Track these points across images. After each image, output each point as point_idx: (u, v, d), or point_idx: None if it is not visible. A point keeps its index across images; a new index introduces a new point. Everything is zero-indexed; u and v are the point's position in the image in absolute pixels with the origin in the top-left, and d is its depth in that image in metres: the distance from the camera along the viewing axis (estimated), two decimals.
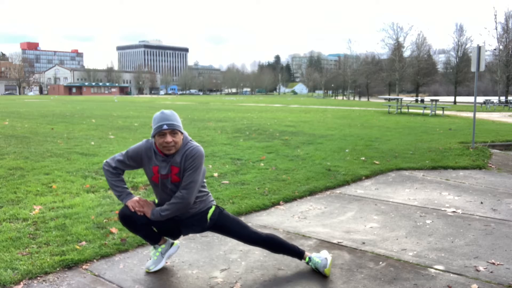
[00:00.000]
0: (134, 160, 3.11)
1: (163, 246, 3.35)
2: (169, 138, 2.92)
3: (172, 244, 3.42)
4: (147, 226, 3.18)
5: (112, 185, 3.11)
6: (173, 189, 3.07)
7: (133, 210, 3.04)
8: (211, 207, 3.22)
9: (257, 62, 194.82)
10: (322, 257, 3.24)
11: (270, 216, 4.67)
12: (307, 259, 3.28)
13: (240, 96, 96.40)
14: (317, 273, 3.24)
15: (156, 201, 3.24)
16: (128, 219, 3.08)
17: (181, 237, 3.97)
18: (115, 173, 3.12)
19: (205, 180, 3.27)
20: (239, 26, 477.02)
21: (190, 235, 4.03)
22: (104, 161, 3.18)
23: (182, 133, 3.01)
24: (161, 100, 51.63)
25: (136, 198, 3.10)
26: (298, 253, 3.29)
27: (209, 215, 3.18)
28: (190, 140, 3.08)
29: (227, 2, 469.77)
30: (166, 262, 3.39)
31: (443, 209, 4.94)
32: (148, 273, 3.24)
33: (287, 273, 3.26)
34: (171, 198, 3.05)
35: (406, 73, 61.58)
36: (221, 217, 3.21)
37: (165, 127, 2.91)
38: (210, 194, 3.30)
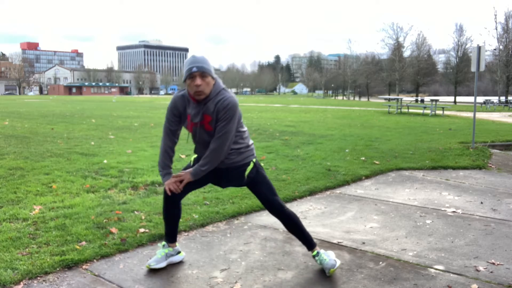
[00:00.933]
0: (174, 113, 3.11)
1: (170, 249, 3.36)
2: (198, 81, 2.89)
3: (179, 252, 3.43)
4: (179, 217, 3.34)
5: (160, 159, 3.17)
6: (207, 139, 3.05)
7: (169, 193, 3.07)
8: (249, 163, 3.18)
9: (257, 62, 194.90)
10: (331, 257, 3.23)
11: (270, 216, 4.62)
12: (315, 252, 3.27)
13: (240, 96, 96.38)
14: (317, 273, 3.24)
15: (192, 159, 3.26)
16: (168, 197, 3.19)
17: (182, 239, 3.97)
18: (169, 153, 3.14)
19: (245, 129, 3.22)
20: (239, 26, 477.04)
21: (190, 235, 4.04)
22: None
23: (213, 78, 2.97)
24: (161, 100, 51.63)
25: (172, 179, 3.09)
26: (310, 243, 3.29)
27: (247, 172, 3.16)
28: (223, 89, 3.03)
29: (227, 2, 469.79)
30: None
31: (443, 209, 4.94)
32: (148, 273, 3.23)
33: (287, 273, 3.26)
34: (206, 148, 3.06)
35: (406, 73, 61.62)
36: (257, 176, 3.20)
37: (194, 69, 2.89)
38: (251, 147, 3.24)
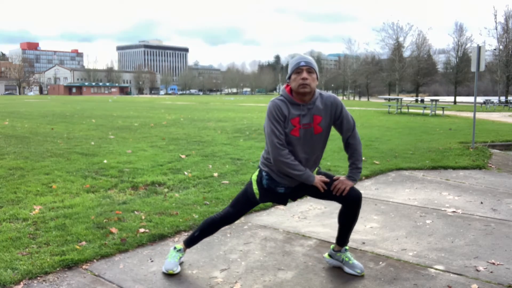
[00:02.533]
0: (280, 117, 2.93)
1: (184, 253, 3.37)
2: (305, 74, 2.90)
3: None
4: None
5: (292, 166, 2.93)
6: (313, 143, 3.02)
7: (323, 190, 3.01)
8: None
9: (257, 62, 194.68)
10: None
11: (270, 216, 4.66)
12: (347, 247, 3.29)
13: (240, 96, 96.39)
14: (317, 273, 3.24)
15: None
16: (227, 219, 3.25)
17: (182, 238, 3.97)
18: (286, 150, 2.94)
19: None
20: (239, 25, 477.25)
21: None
22: (274, 151, 2.92)
23: (317, 78, 2.99)
24: (160, 100, 51.63)
25: (321, 177, 3.05)
26: (345, 241, 3.28)
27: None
28: (320, 91, 3.09)
29: (228, 1, 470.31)
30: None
31: (443, 209, 4.94)
32: (148, 273, 3.23)
33: (287, 273, 3.26)
34: (309, 153, 3.02)
35: (406, 73, 61.57)
36: (327, 174, 3.19)
37: (302, 63, 2.93)
38: None
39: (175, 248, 3.33)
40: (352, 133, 3.09)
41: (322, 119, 2.99)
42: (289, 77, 2.98)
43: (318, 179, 3.02)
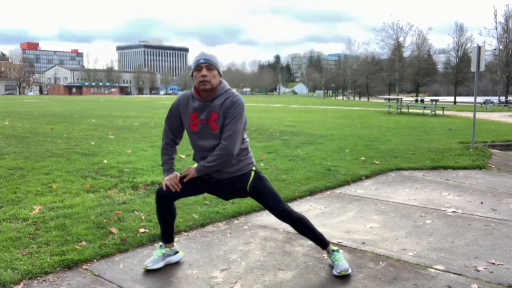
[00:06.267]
0: (174, 116, 3.16)
1: (167, 249, 3.36)
2: (205, 71, 2.96)
3: (177, 252, 3.43)
4: (172, 218, 3.28)
5: (162, 156, 3.25)
6: (209, 141, 3.06)
7: (165, 188, 3.10)
8: (250, 172, 3.19)
9: (257, 62, 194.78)
10: (346, 262, 3.24)
11: (270, 216, 4.64)
12: (335, 248, 3.30)
13: None
14: (317, 273, 3.24)
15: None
16: (162, 198, 3.17)
17: (182, 239, 3.97)
18: (167, 151, 3.22)
19: (245, 137, 3.19)
20: (239, 25, 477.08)
21: (190, 235, 4.04)
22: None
23: (219, 74, 3.05)
24: (161, 100, 51.63)
25: (172, 174, 3.15)
26: (324, 242, 3.31)
27: (249, 183, 3.16)
28: (230, 89, 3.11)
29: (227, 1, 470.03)
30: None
31: (443, 209, 4.94)
32: (148, 273, 3.23)
33: (287, 273, 3.26)
34: (209, 149, 3.07)
35: (406, 73, 61.62)
36: (260, 186, 3.19)
37: (201, 61, 2.99)
38: (250, 154, 3.24)
39: (159, 245, 3.39)
40: (226, 139, 2.97)
41: (219, 117, 3.02)
42: (192, 75, 3.05)
43: (167, 178, 3.12)
